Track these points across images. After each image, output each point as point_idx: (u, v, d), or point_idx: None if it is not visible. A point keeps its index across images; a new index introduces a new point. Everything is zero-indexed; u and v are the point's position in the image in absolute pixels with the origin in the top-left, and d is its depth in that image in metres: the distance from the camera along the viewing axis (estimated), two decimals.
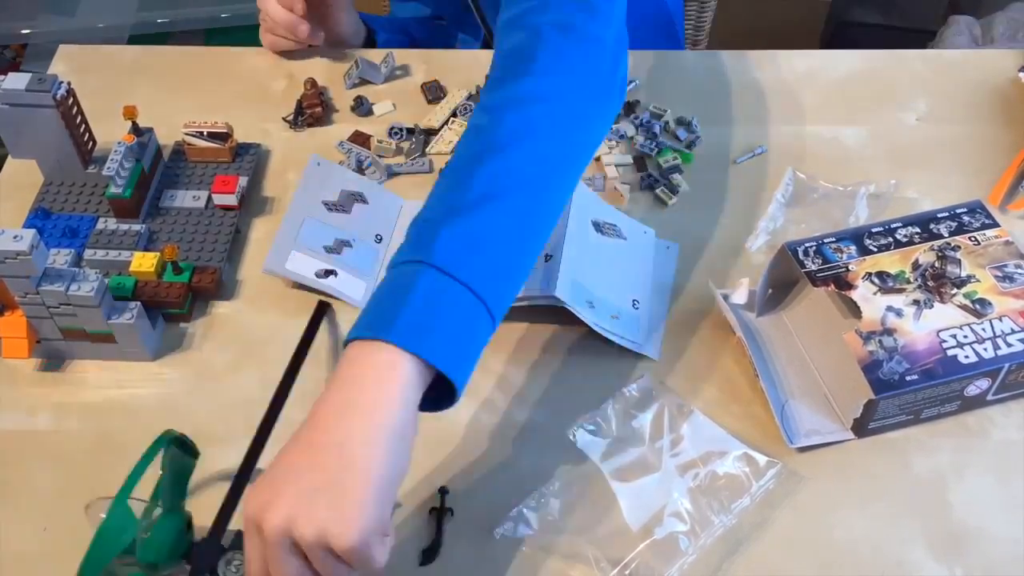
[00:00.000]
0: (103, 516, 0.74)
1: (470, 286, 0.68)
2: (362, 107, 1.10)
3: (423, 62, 1.16)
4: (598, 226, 0.92)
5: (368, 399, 0.65)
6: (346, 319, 0.92)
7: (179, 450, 0.75)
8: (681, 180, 1.02)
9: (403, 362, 0.65)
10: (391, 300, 0.68)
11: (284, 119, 1.09)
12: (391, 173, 1.04)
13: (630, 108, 1.09)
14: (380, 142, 1.06)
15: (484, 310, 0.69)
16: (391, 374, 0.65)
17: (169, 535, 0.70)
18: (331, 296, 0.93)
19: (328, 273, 0.93)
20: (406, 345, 0.65)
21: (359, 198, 0.98)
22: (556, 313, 0.92)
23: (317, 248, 0.94)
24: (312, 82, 1.10)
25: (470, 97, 1.11)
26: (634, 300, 0.91)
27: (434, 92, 1.12)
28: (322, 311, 0.91)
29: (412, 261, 0.69)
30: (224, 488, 0.74)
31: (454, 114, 1.10)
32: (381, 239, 0.97)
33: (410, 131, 1.07)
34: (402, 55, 1.18)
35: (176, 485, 0.73)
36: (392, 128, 1.07)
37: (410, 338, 0.66)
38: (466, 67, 1.15)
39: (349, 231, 0.96)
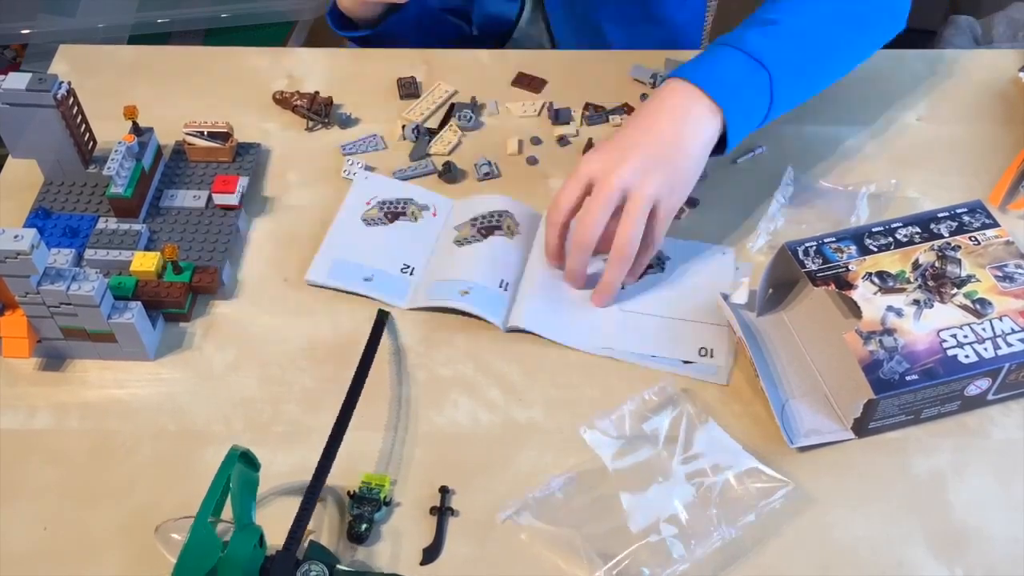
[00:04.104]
0: (176, 536, 0.74)
1: (767, 70, 0.91)
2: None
3: (423, 62, 1.16)
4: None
5: (697, 117, 0.89)
6: (404, 321, 0.92)
7: (244, 465, 0.75)
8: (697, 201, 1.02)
9: (712, 109, 0.89)
10: (708, 62, 0.92)
11: (298, 113, 1.10)
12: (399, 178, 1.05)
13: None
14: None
15: (768, 90, 0.92)
16: (710, 114, 0.89)
17: (245, 552, 0.70)
18: (375, 300, 0.93)
19: (367, 280, 0.94)
20: (715, 96, 0.89)
21: (403, 211, 0.99)
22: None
23: (354, 265, 0.95)
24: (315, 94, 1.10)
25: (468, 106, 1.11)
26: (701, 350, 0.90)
27: (408, 88, 1.13)
28: (382, 320, 0.91)
29: (725, 44, 0.93)
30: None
31: (449, 115, 1.10)
32: (411, 270, 0.95)
33: (419, 131, 1.07)
34: (402, 55, 1.18)
35: (246, 500, 0.73)
36: (410, 127, 1.07)
37: (716, 90, 0.89)
38: (466, 67, 1.16)
39: (379, 257, 0.95)
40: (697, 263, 0.95)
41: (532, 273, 0.94)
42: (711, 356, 0.88)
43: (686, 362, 0.88)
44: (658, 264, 0.95)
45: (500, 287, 0.93)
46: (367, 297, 0.93)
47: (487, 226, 0.97)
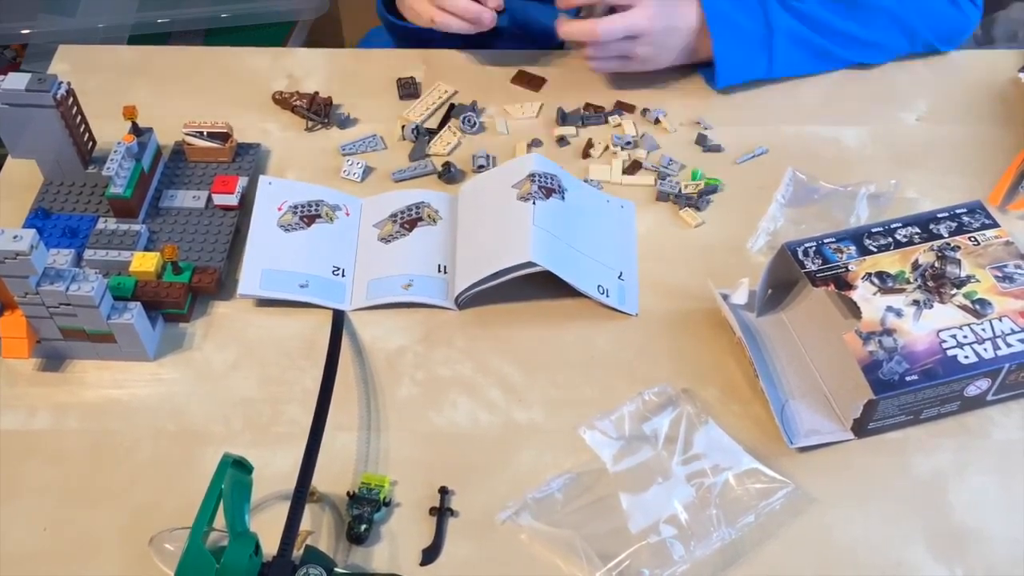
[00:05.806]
0: (169, 547, 0.74)
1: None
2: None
3: (423, 62, 1.16)
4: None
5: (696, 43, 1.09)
6: (402, 322, 0.92)
7: (236, 471, 0.74)
8: (710, 200, 1.01)
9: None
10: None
11: (298, 113, 1.10)
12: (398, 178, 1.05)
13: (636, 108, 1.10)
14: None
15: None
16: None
17: (242, 561, 0.69)
18: (316, 306, 0.92)
19: (303, 286, 0.93)
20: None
21: (317, 213, 0.98)
22: (554, 312, 0.92)
23: (284, 273, 0.94)
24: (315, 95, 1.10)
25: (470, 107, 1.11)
26: (620, 272, 0.94)
27: (407, 88, 1.13)
28: (340, 319, 0.91)
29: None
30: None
31: (448, 115, 1.10)
32: (342, 272, 0.95)
33: (418, 131, 1.07)
34: (401, 55, 1.18)
35: (240, 506, 0.73)
36: (410, 127, 1.07)
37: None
38: (465, 67, 1.16)
39: (308, 262, 0.94)
40: (600, 206, 0.99)
41: (463, 243, 0.95)
42: (607, 295, 0.92)
43: (601, 289, 0.91)
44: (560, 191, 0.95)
45: (439, 272, 0.94)
46: (307, 304, 0.92)
47: (410, 219, 0.98)
